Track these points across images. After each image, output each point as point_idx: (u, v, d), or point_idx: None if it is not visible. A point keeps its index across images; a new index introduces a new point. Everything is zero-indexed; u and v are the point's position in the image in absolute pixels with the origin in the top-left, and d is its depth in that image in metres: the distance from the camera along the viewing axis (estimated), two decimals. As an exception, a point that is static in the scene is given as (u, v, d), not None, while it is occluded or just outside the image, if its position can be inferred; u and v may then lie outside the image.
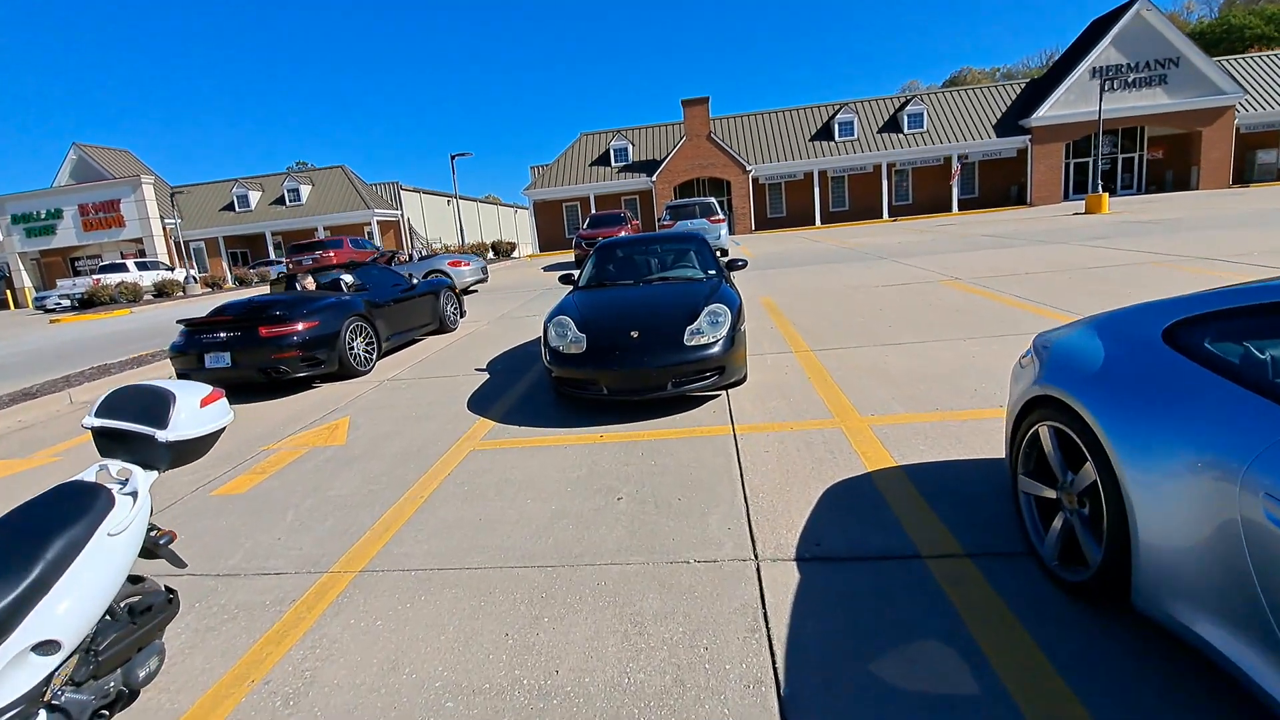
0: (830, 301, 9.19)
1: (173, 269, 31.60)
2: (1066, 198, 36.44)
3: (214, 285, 28.94)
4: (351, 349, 7.51)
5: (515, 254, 34.72)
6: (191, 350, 7.00)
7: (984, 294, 8.54)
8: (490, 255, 30.92)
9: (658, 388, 4.71)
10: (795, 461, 3.89)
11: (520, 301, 13.48)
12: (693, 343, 4.79)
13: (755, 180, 36.89)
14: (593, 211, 32.88)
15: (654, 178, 35.83)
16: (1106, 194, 22.90)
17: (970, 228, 21.37)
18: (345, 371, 7.41)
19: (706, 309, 5.03)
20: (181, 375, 7.11)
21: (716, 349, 4.78)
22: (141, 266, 30.36)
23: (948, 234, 19.56)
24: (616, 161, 38.06)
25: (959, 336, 6.43)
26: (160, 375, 8.81)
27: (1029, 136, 34.80)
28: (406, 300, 9.09)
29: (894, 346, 6.30)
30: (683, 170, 35.63)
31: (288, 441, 5.27)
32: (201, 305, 22.68)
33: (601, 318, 5.24)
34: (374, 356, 7.96)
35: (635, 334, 4.87)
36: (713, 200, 19.40)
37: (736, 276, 8.98)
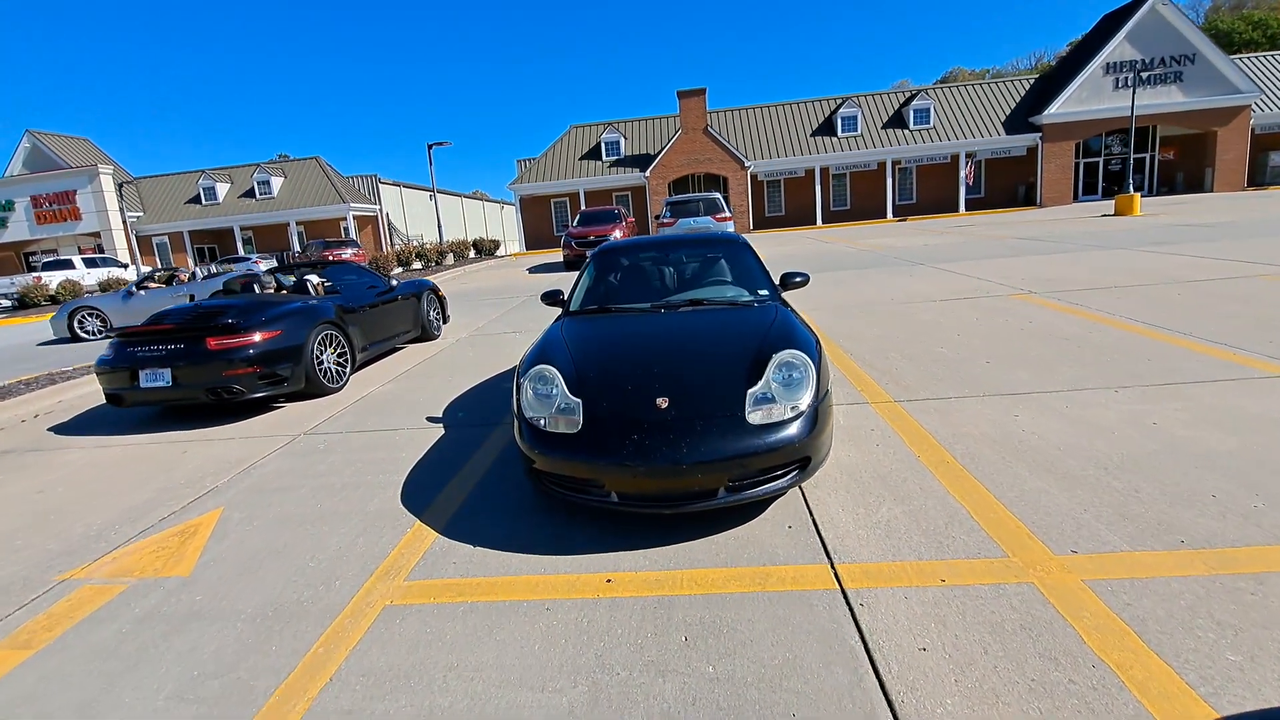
0: (886, 322, 7.35)
1: (125, 266, 29.20)
2: (1076, 199, 35.02)
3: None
4: (320, 362, 6.36)
5: (500, 252, 32.67)
6: (123, 366, 5.77)
7: (1084, 314, 6.74)
8: (471, 254, 28.86)
9: (702, 496, 2.82)
10: (989, 678, 2.02)
11: (500, 311, 11.53)
12: (760, 417, 2.90)
13: (754, 176, 35.08)
14: (583, 208, 30.91)
15: (647, 173, 33.92)
16: (1139, 194, 21.32)
17: (993, 229, 19.68)
18: (312, 389, 6.27)
19: (776, 358, 3.14)
20: (111, 396, 5.96)
21: (797, 427, 2.89)
22: (90, 264, 27.96)
23: (972, 236, 17.84)
24: (608, 155, 36.09)
25: (1102, 383, 4.60)
26: (60, 399, 6.80)
27: (1040, 134, 33.29)
28: (385, 304, 7.96)
29: (1017, 398, 4.46)
30: (678, 165, 33.74)
31: (104, 564, 3.31)
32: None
33: (607, 371, 3.32)
34: (348, 370, 6.80)
35: (664, 402, 2.97)
36: (718, 196, 17.53)
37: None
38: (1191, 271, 8.79)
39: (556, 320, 4.27)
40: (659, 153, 34.01)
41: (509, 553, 3.02)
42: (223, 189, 40.68)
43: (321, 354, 6.40)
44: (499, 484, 3.78)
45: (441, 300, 9.56)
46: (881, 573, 2.61)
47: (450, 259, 26.74)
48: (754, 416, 2.88)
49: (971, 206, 35.23)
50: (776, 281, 4.42)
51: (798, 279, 4.45)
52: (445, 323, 9.72)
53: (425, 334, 8.89)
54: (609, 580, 2.72)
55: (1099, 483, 3.20)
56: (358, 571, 2.99)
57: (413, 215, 46.88)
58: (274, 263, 28.38)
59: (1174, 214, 19.64)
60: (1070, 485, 3.20)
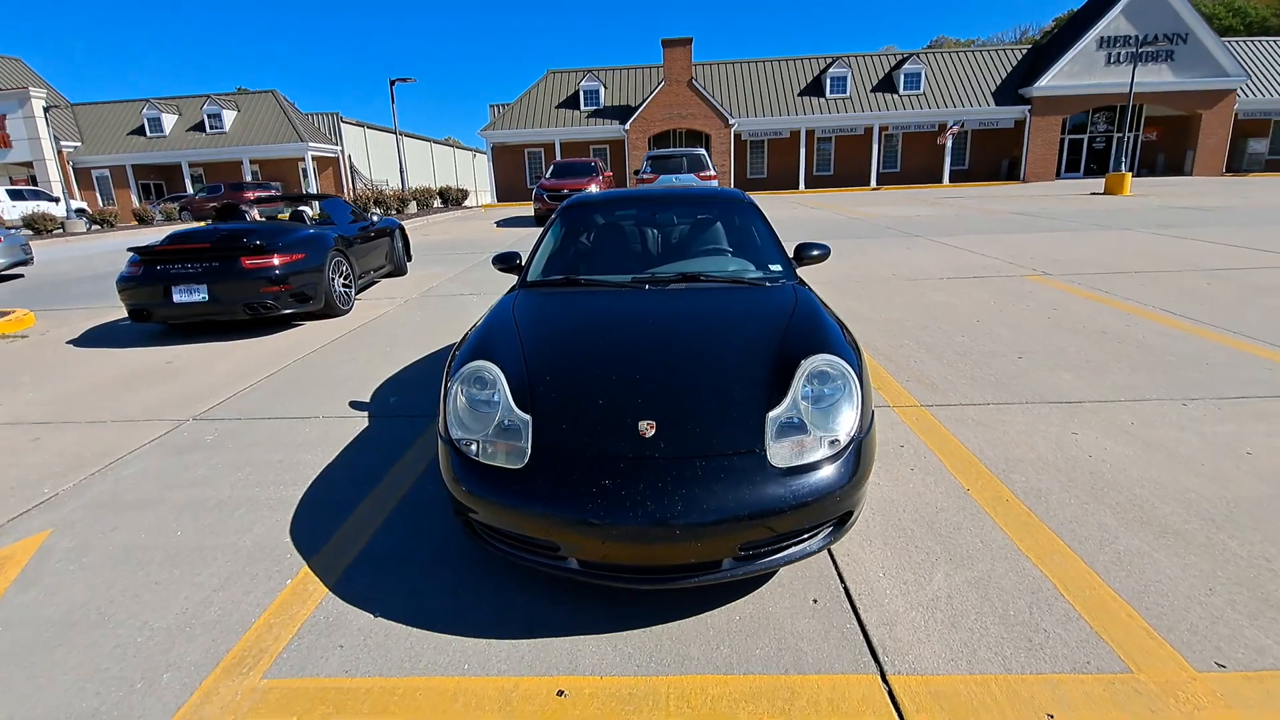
0: (892, 302, 6.52)
1: (56, 200, 26.78)
2: (1058, 176, 34.59)
3: (105, 223, 24.45)
4: (333, 286, 6.98)
5: (468, 203, 30.93)
6: (152, 283, 6.20)
7: (1114, 303, 6.00)
8: (437, 203, 27.17)
9: (700, 569, 1.95)
10: None
11: (460, 268, 10.40)
12: (787, 455, 2.01)
13: (737, 136, 33.70)
14: (558, 158, 29.21)
15: (627, 126, 32.28)
16: (1129, 174, 20.79)
17: (983, 203, 18.97)
18: (329, 310, 6.93)
19: (806, 367, 2.24)
20: (137, 311, 6.38)
21: (837, 470, 2.01)
22: (16, 195, 25.53)
23: (964, 208, 17.10)
24: (587, 105, 34.23)
25: (1165, 392, 3.85)
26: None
27: (1029, 107, 32.56)
28: (370, 239, 8.55)
29: (1069, 410, 3.68)
30: (659, 119, 32.16)
31: None
32: (81, 247, 18.67)
33: (571, 376, 2.37)
34: (352, 294, 7.44)
35: (649, 428, 2.05)
36: (702, 152, 16.33)
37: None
38: (1213, 259, 8.14)
39: (509, 292, 3.30)
40: (640, 105, 32.34)
41: (423, 631, 2.13)
42: (169, 121, 37.65)
43: (334, 278, 7.00)
44: (424, 510, 2.87)
45: (405, 239, 10.01)
46: (959, 696, 1.80)
47: (413, 207, 25.08)
48: (778, 453, 2.00)
49: (955, 178, 34.58)
50: (790, 254, 3.50)
51: (815, 252, 3.52)
52: (409, 260, 10.25)
53: (398, 270, 9.63)
54: (561, 693, 1.86)
55: (1213, 544, 2.43)
56: (200, 658, 2.07)
57: (378, 159, 44.28)
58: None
59: (1164, 196, 19.17)
60: (1176, 546, 2.42)
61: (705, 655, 1.97)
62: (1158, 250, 8.96)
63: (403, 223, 11.85)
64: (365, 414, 4.09)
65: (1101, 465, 3.04)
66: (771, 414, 2.09)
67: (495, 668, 1.96)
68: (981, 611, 2.12)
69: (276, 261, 6.30)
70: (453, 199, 28.23)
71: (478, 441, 2.14)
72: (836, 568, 2.36)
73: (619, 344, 2.52)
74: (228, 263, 6.21)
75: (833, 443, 2.05)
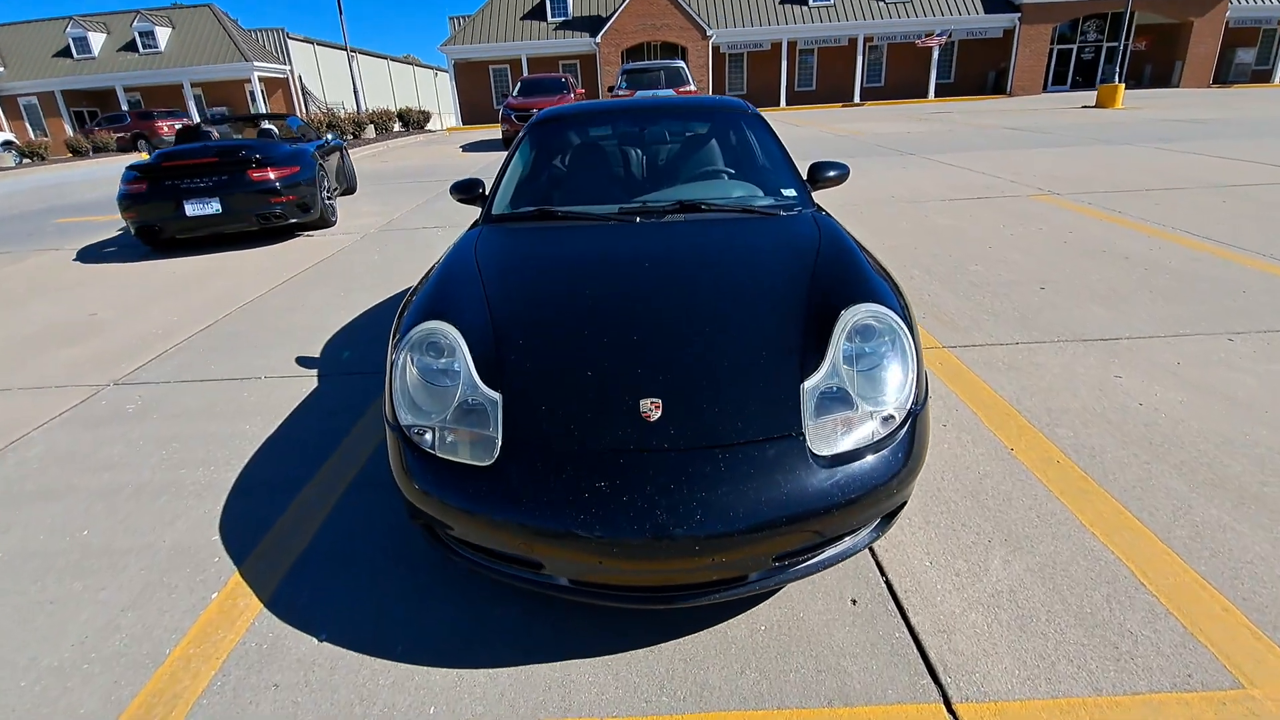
0: (896, 227, 6.01)
1: (-22, 129, 24.52)
2: (1045, 89, 33.47)
3: (36, 155, 22.51)
4: (323, 197, 7.39)
5: (431, 126, 29.06)
6: (162, 199, 6.46)
7: (1131, 225, 5.58)
8: (397, 127, 25.45)
9: (722, 585, 1.55)
10: None
11: (423, 198, 9.57)
12: (830, 437, 1.57)
13: (715, 49, 31.77)
14: (525, 74, 27.21)
15: (598, 38, 30.16)
16: (1122, 85, 19.98)
17: (974, 118, 18.16)
18: (323, 221, 7.40)
19: (846, 319, 1.77)
20: (146, 228, 6.63)
21: (890, 453, 1.58)
22: (-71, 125, 23.26)
23: (955, 124, 16.33)
24: (554, 15, 31.82)
25: (1206, 325, 3.48)
26: None
27: (1018, 15, 31.01)
28: (329, 154, 8.67)
29: (1106, 348, 3.30)
30: (632, 31, 30.07)
31: None
32: (7, 185, 17.13)
33: (550, 339, 1.86)
34: (335, 204, 7.91)
35: (653, 409, 1.59)
36: (681, 65, 15.15)
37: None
38: (1223, 175, 7.70)
39: (471, 230, 2.74)
40: (612, 15, 30.13)
41: (377, 660, 1.73)
42: (97, 40, 34.37)
43: (322, 190, 7.37)
44: (380, 492, 2.43)
45: (347, 157, 10.16)
46: (1044, 731, 1.47)
47: (370, 131, 23.43)
48: (820, 435, 1.57)
49: (940, 92, 33.27)
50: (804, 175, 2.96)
51: (832, 172, 2.97)
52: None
53: (350, 188, 9.92)
54: (551, 743, 1.49)
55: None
56: (95, 709, 1.65)
57: (331, 79, 41.22)
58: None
59: (1157, 108, 18.52)
60: (1260, 516, 2.09)
61: (728, 683, 1.61)
62: (1164, 166, 8.49)
63: (363, 149, 12.63)
64: (314, 372, 3.57)
65: (1155, 415, 2.68)
66: (808, 383, 1.64)
67: (467, 710, 1.58)
68: (1053, 610, 1.77)
69: (280, 173, 6.68)
70: (414, 122, 26.44)
71: (433, 429, 1.67)
72: (875, 556, 1.99)
73: (609, 295, 2.01)
74: (236, 175, 6.50)
75: (886, 419, 1.62)
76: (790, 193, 2.76)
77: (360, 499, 2.41)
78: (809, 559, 1.58)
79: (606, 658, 1.69)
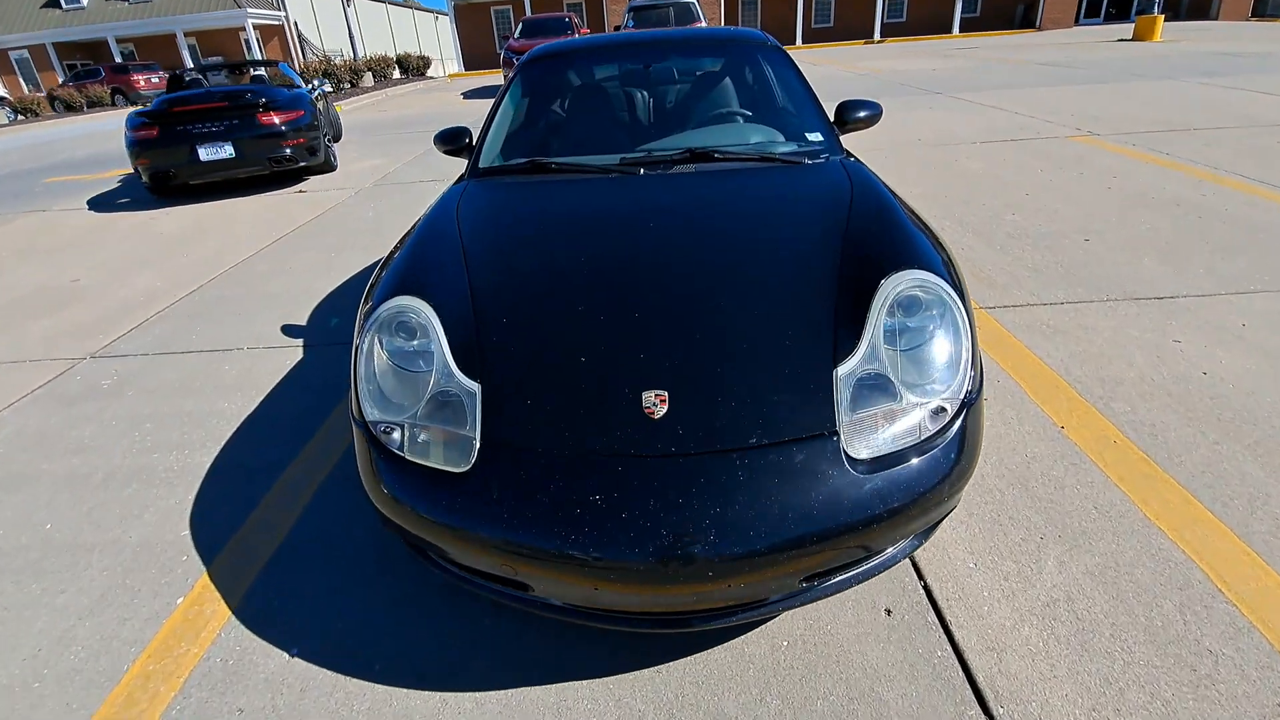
0: (925, 173, 5.59)
1: (-31, 85, 23.97)
2: (1077, 21, 31.61)
3: (29, 112, 22.00)
4: (326, 142, 7.52)
5: (432, 72, 28.02)
6: (175, 144, 6.49)
7: (1179, 167, 5.13)
8: (396, 74, 24.56)
9: (741, 608, 1.32)
10: None
11: (420, 149, 9.15)
12: (869, 436, 1.31)
13: (727, -16, 30.14)
14: (527, 14, 25.97)
15: (603, -25, 28.65)
16: (1161, 17, 18.70)
17: (1003, 53, 17.12)
18: (327, 165, 7.50)
19: (887, 290, 1.48)
20: (159, 174, 6.68)
21: (941, 454, 1.32)
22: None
23: (982, 60, 15.40)
24: (556, -49, 30.18)
25: (1271, 280, 3.15)
26: None
27: (1051, -61, 29.02)
28: (319, 100, 8.53)
29: (1161, 307, 2.99)
30: (639, -34, 28.49)
31: None
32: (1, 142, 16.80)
33: (536, 318, 1.59)
34: (334, 149, 8.03)
35: (658, 403, 1.33)
36: (692, 1, 14.28)
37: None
38: (1273, 112, 7.11)
39: (455, 185, 2.45)
40: (616, -51, 28.50)
41: (354, 680, 1.55)
42: (83, -14, 33.17)
43: (324, 133, 7.51)
44: (351, 513, 2.22)
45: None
46: (1119, 778, 1.26)
47: (368, 79, 22.62)
48: (858, 434, 1.31)
49: (965, 27, 31.55)
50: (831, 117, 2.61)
51: (863, 113, 2.62)
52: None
53: (337, 134, 9.82)
54: (546, 789, 1.31)
55: (1402, 500, 1.84)
56: (39, 737, 1.49)
57: (329, 26, 39.75)
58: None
59: (1196, 41, 17.35)
60: (1356, 506, 1.83)
61: (747, 712, 1.41)
62: (1211, 103, 7.87)
63: (361, 98, 12.77)
64: (299, 342, 3.35)
65: (1222, 387, 2.40)
66: (842, 369, 1.37)
67: (450, 743, 1.39)
68: (1118, 622, 1.55)
69: (287, 117, 6.76)
70: (414, 69, 25.48)
71: (402, 426, 1.43)
72: (911, 559, 1.77)
73: (607, 263, 1.74)
74: (246, 119, 6.56)
75: (935, 411, 1.36)
76: (816, 137, 2.42)
77: (340, 489, 2.20)
78: (840, 575, 1.35)
79: (608, 679, 1.50)
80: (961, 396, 1.39)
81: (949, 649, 1.52)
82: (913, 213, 1.88)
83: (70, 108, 22.99)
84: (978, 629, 1.56)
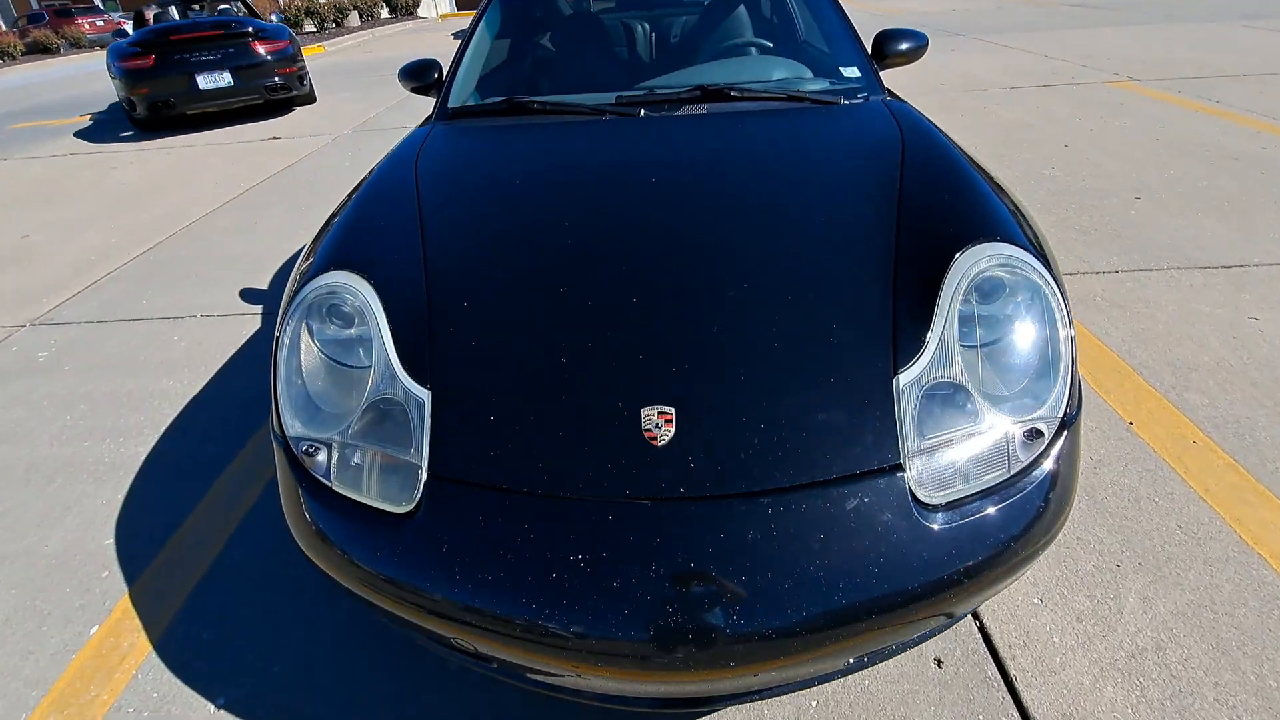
0: (955, 123, 5.01)
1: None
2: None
3: (5, 55, 20.91)
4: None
5: (422, 11, 26.65)
6: (172, 72, 6.49)
7: (1234, 118, 4.67)
8: (384, 13, 23.35)
9: (768, 691, 1.02)
10: None
11: (405, 93, 8.53)
12: (944, 476, 0.97)
13: (734, -83, 28.34)
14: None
15: (603, -94, 26.91)
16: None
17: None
18: (308, 97, 7.62)
19: (960, 267, 1.15)
20: (157, 104, 6.58)
21: (1036, 492, 1.00)
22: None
23: (1011, 0, 14.48)
24: (552, -121, 28.29)
25: (1357, 247, 2.78)
26: None
27: None
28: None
29: (1230, 277, 2.63)
30: (641, -104, 26.73)
31: None
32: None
33: (505, 306, 1.23)
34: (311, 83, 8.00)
35: (663, 424, 1.00)
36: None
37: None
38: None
39: (419, 129, 2.05)
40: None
41: (286, 745, 1.28)
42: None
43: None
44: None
45: None
46: None
47: (354, 18, 21.47)
48: (928, 468, 0.98)
49: (985, -34, 29.87)
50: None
51: (905, 45, 2.18)
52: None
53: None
54: None
55: None
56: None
57: (313, -39, 37.67)
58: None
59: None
60: None
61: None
62: (1259, 47, 7.27)
63: (345, 39, 12.80)
64: (258, 309, 3.00)
65: (1316, 375, 2.07)
66: (905, 376, 1.04)
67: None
68: (1222, 681, 1.26)
69: (275, 47, 6.91)
70: (402, 8, 24.17)
71: (329, 445, 1.11)
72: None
73: (600, 234, 1.38)
74: (241, 48, 6.67)
75: (1029, 435, 1.03)
76: (852, 73, 2.01)
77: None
78: (893, 648, 1.05)
79: (597, 751, 1.22)
80: (1060, 414, 1.07)
81: (1015, 714, 1.24)
82: (980, 168, 1.51)
83: (45, 49, 21.90)
84: (1049, 687, 1.27)
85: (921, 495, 0.96)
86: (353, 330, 1.23)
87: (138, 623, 1.55)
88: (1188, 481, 1.71)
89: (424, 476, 1.03)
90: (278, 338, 1.25)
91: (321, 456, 1.11)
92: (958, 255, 1.16)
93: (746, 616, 0.87)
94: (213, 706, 1.36)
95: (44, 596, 1.65)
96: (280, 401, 1.18)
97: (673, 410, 1.02)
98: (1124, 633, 1.36)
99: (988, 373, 1.07)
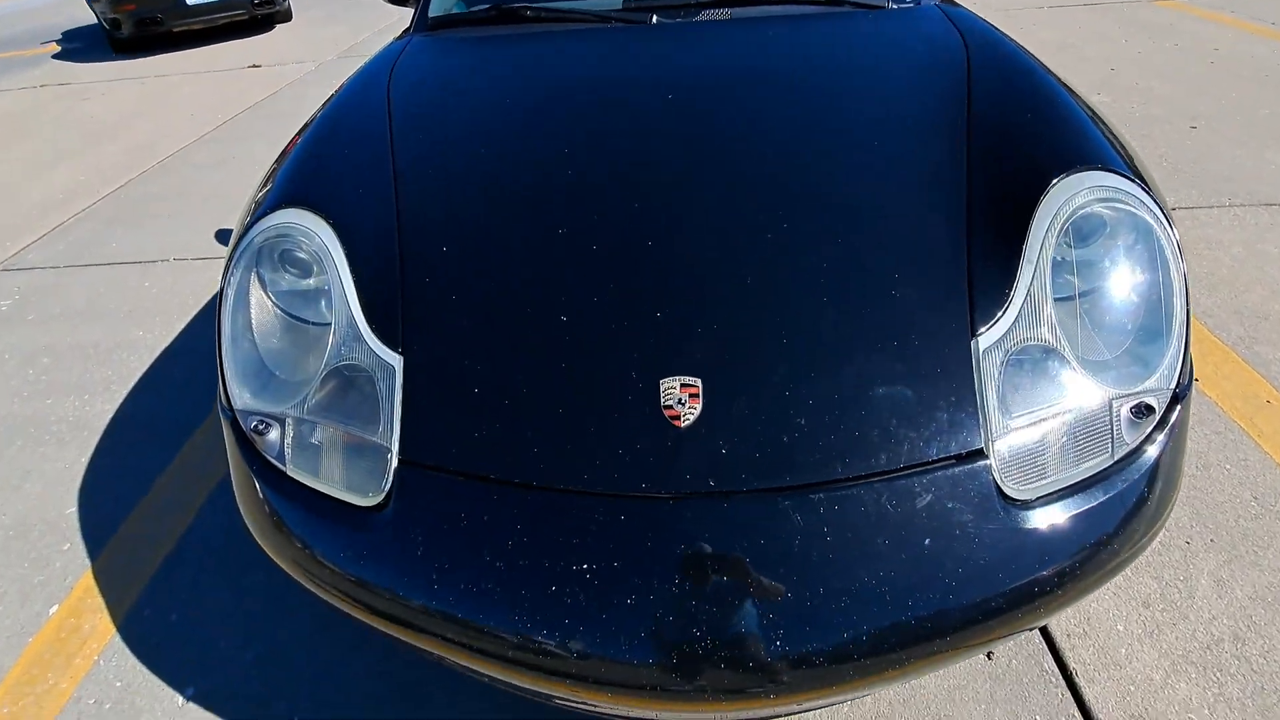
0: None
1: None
2: None
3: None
4: None
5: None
6: None
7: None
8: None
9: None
10: None
11: (396, 16, 8.00)
12: (1033, 463, 0.78)
13: None
14: None
15: None
16: None
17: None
18: (286, 14, 7.51)
19: (1053, 201, 0.92)
20: (145, 20, 6.43)
21: (1139, 483, 0.81)
22: None
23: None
24: None
25: None
26: None
27: None
28: None
29: (1304, 216, 2.39)
30: None
31: None
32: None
33: (494, 255, 1.01)
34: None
35: (686, 400, 0.81)
36: None
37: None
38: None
39: (394, 43, 1.78)
40: None
41: (261, 743, 1.16)
42: None
43: None
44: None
45: None
46: None
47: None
48: (1016, 455, 0.79)
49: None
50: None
51: None
52: None
53: None
54: None
55: None
56: None
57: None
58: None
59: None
60: None
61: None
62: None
63: None
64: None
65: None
66: (987, 337, 0.85)
67: None
68: (1314, 679, 1.12)
69: None
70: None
71: (283, 421, 0.93)
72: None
73: (606, 166, 1.15)
74: None
75: (1137, 411, 0.84)
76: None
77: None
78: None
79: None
80: (1173, 384, 0.87)
81: (1077, 715, 1.10)
82: (1065, 83, 1.26)
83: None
84: (1114, 683, 1.13)
85: (1009, 489, 0.77)
86: (311, 281, 1.03)
87: (100, 601, 1.42)
88: (1262, 446, 1.53)
89: (394, 462, 0.84)
90: (222, 290, 1.05)
91: (274, 434, 0.92)
92: (1053, 185, 0.94)
93: (793, 640, 0.71)
94: (181, 698, 1.23)
95: (0, 572, 1.52)
96: (226, 367, 0.99)
97: (699, 382, 0.82)
98: (1197, 620, 1.21)
99: (1086, 333, 0.87)
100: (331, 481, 0.87)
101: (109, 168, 3.89)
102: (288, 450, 0.91)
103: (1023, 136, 1.06)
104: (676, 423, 0.80)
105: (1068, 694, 1.13)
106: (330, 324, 0.96)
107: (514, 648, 0.75)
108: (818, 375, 0.82)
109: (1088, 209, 0.93)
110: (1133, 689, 1.13)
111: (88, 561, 1.52)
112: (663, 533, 0.75)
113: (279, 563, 0.91)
